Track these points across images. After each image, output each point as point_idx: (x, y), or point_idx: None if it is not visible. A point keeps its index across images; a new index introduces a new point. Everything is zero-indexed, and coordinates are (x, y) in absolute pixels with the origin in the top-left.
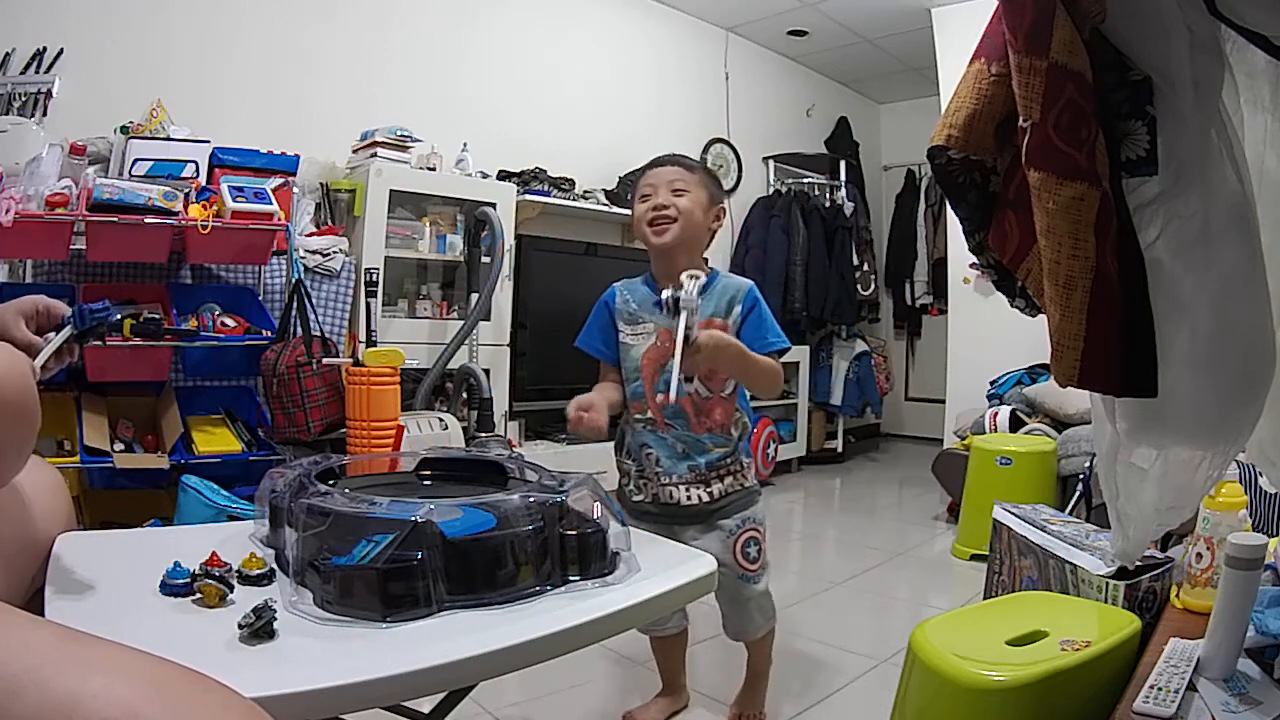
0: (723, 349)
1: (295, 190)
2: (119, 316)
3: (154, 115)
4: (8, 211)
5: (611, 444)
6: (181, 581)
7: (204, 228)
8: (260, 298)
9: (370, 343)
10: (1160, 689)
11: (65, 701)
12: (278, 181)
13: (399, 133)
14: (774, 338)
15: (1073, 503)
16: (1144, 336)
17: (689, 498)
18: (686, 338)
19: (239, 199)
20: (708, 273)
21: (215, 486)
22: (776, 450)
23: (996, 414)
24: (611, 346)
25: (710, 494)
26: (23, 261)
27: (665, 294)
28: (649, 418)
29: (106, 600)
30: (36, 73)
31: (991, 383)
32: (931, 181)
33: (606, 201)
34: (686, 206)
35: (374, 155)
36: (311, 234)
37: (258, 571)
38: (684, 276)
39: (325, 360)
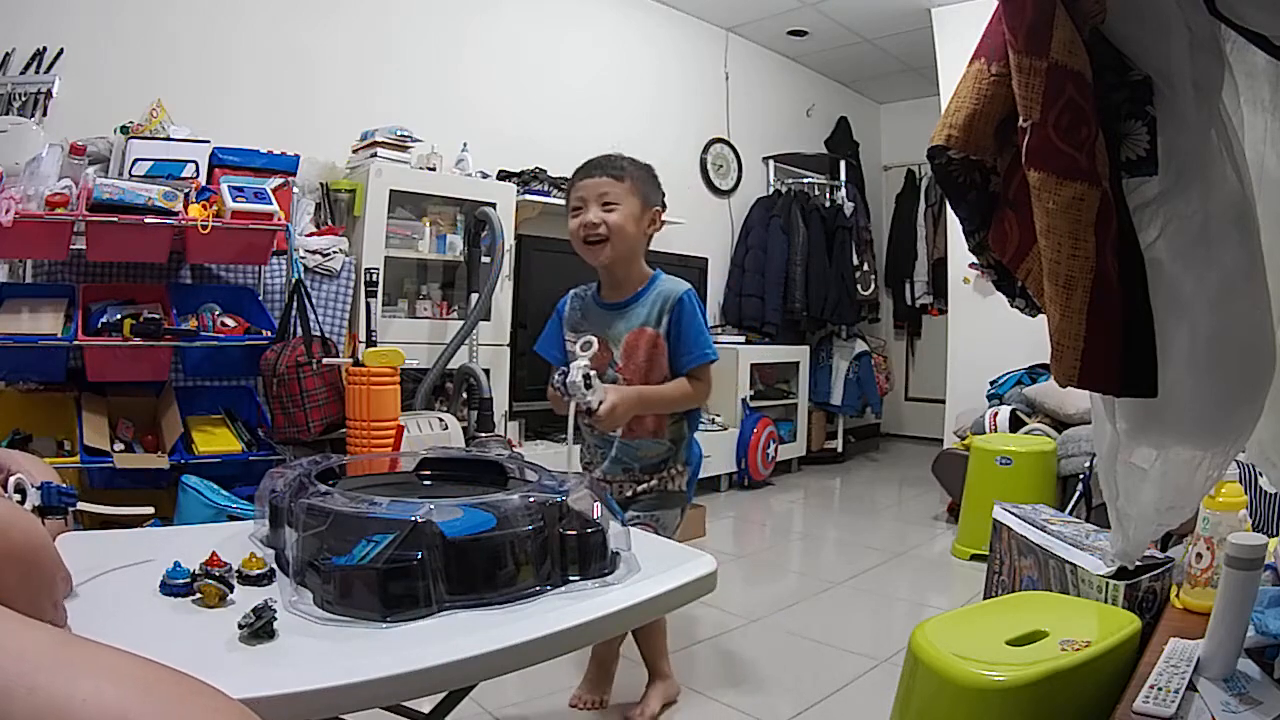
0: (623, 406)
1: (295, 190)
2: (78, 506)
3: (154, 115)
4: (8, 211)
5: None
6: (181, 581)
7: (204, 228)
8: (260, 298)
9: (370, 343)
10: (1160, 689)
11: (57, 705)
12: (278, 181)
13: (399, 133)
14: (699, 350)
15: (1073, 503)
16: (1144, 336)
17: (614, 493)
18: (589, 410)
19: (239, 199)
20: (650, 275)
21: (215, 486)
22: (776, 450)
23: (996, 414)
24: (563, 351)
25: (634, 490)
26: (23, 261)
27: (556, 378)
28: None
29: (106, 600)
30: (36, 73)
31: (991, 383)
32: (931, 181)
33: None
34: (617, 223)
35: (374, 155)
36: (311, 234)
37: (258, 571)
38: (577, 347)
39: (325, 360)
